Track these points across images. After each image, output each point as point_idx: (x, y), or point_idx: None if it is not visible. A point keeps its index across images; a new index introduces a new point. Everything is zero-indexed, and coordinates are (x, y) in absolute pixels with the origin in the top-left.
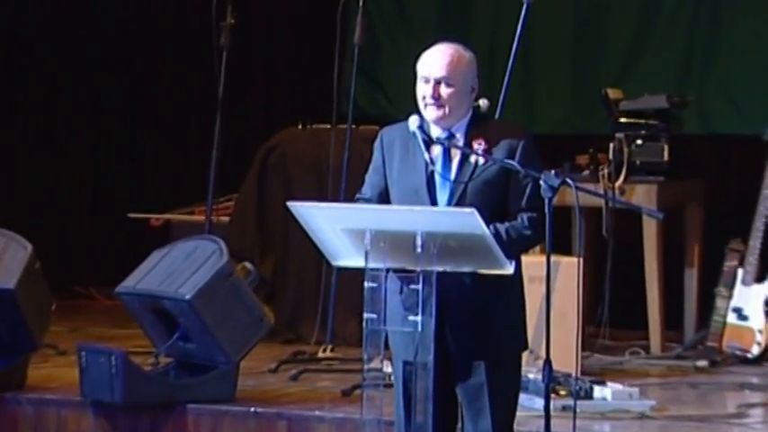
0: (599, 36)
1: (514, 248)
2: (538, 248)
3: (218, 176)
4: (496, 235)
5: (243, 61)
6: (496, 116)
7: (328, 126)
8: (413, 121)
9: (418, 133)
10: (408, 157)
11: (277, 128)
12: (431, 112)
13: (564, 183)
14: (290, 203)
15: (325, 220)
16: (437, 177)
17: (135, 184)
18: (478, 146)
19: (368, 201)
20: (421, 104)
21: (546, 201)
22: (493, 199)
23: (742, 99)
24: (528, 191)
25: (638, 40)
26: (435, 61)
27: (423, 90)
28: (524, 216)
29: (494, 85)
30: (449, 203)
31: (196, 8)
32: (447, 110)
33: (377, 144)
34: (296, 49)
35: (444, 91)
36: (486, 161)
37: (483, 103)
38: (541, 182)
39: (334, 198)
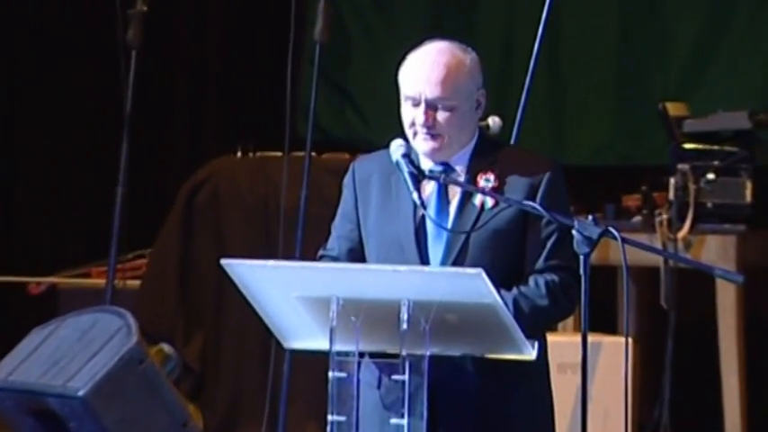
0: (654, 32)
1: (527, 325)
2: (571, 325)
3: (125, 224)
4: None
5: (160, 64)
6: (512, 141)
7: (279, 154)
8: (396, 148)
9: (403, 164)
10: (390, 197)
11: (207, 156)
12: (423, 144)
13: (606, 233)
14: (224, 261)
15: (275, 284)
16: (429, 225)
17: (6, 236)
18: (486, 182)
19: (335, 259)
20: (408, 132)
21: (581, 258)
22: (505, 255)
23: None
24: (550, 244)
25: (707, 37)
26: (425, 75)
27: (410, 114)
28: (540, 280)
29: (509, 97)
30: (444, 261)
31: None
32: (446, 140)
33: (347, 180)
34: (234, 47)
35: (441, 116)
36: (496, 203)
37: (493, 122)
38: (574, 232)
39: (288, 254)
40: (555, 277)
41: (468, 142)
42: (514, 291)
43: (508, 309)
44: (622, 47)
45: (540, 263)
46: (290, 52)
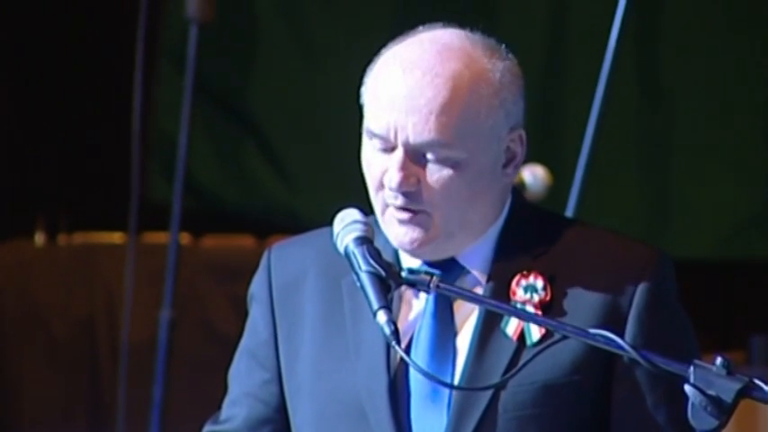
0: None
1: None
2: None
3: None
4: None
5: None
6: (569, 211)
7: (118, 236)
8: (347, 228)
9: (360, 259)
10: (342, 321)
11: None
12: (396, 229)
13: (749, 391)
14: None
15: None
16: (416, 376)
17: None
18: (528, 292)
19: None
20: (375, 199)
21: None
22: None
23: None
24: (663, 418)
25: None
26: (408, 96)
27: (378, 167)
28: None
29: (555, 138)
30: None
31: None
32: (441, 224)
33: (257, 287)
34: (29, 34)
35: (435, 177)
36: (547, 333)
37: (533, 177)
38: (688, 390)
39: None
40: None
41: (492, 222)
42: None
43: None
44: None
45: None
46: (140, 44)
